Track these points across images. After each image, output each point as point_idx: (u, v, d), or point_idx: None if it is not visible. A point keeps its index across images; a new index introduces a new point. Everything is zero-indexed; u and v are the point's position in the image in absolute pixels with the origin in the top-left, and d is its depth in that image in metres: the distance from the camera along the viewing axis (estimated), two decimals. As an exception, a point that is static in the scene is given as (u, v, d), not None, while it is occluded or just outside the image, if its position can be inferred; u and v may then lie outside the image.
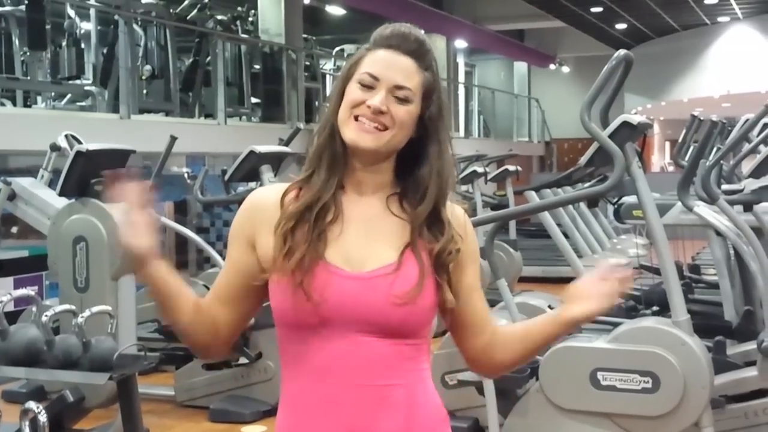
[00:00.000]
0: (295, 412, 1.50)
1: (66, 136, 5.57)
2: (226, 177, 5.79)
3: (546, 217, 10.17)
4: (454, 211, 1.56)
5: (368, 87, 1.48)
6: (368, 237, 1.50)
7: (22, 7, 9.38)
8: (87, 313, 3.46)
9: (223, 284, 1.59)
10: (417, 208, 1.51)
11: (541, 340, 1.60)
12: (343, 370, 1.46)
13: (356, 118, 1.47)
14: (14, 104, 9.51)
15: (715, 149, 6.17)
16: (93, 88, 9.65)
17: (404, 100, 1.48)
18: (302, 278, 1.45)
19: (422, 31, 1.54)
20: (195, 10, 11.81)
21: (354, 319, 1.45)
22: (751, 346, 4.35)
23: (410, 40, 1.51)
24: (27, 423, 2.88)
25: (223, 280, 1.59)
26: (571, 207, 10.51)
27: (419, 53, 1.51)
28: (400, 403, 1.48)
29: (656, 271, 5.81)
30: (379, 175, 1.53)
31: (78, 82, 9.98)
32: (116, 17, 9.63)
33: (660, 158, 24.94)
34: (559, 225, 10.32)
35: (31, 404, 2.93)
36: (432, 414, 1.54)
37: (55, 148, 5.60)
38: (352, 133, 1.48)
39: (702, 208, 4.51)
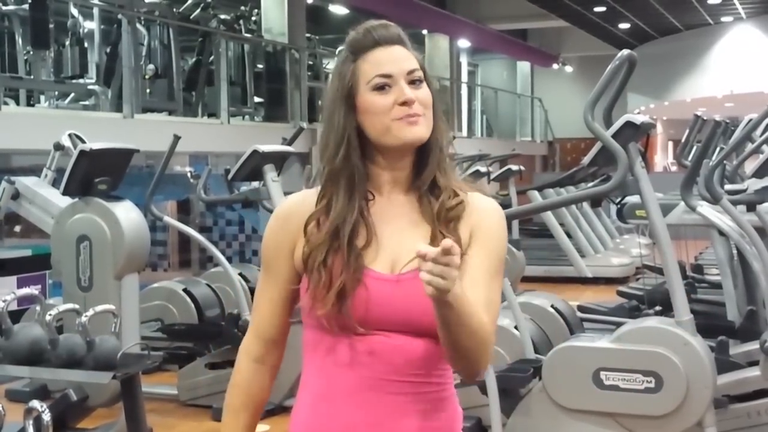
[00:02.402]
0: (318, 402, 1.50)
1: (69, 135, 5.58)
2: (230, 176, 5.79)
3: (549, 217, 10.19)
4: (467, 196, 1.55)
5: (384, 88, 1.49)
6: (399, 239, 1.50)
7: (26, 6, 9.38)
8: (90, 312, 3.46)
9: (275, 324, 1.59)
10: (422, 174, 1.53)
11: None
12: (373, 365, 1.46)
13: (400, 119, 1.48)
14: (18, 103, 9.51)
15: (718, 149, 6.16)
16: (96, 87, 9.66)
17: (420, 82, 1.52)
18: (344, 300, 1.45)
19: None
20: (198, 10, 11.81)
21: (389, 321, 1.46)
22: (754, 346, 4.35)
23: (390, 31, 1.54)
24: (31, 422, 2.88)
25: (274, 318, 1.59)
26: (574, 207, 10.49)
27: (401, 39, 1.55)
28: (427, 400, 1.49)
29: (659, 271, 5.81)
30: (402, 172, 1.54)
31: (81, 81, 9.99)
32: (119, 16, 9.63)
33: (663, 158, 24.92)
34: (561, 225, 10.34)
35: (35, 403, 2.93)
36: (455, 412, 1.55)
37: (58, 147, 5.60)
38: (403, 133, 1.48)
39: (705, 208, 4.51)
